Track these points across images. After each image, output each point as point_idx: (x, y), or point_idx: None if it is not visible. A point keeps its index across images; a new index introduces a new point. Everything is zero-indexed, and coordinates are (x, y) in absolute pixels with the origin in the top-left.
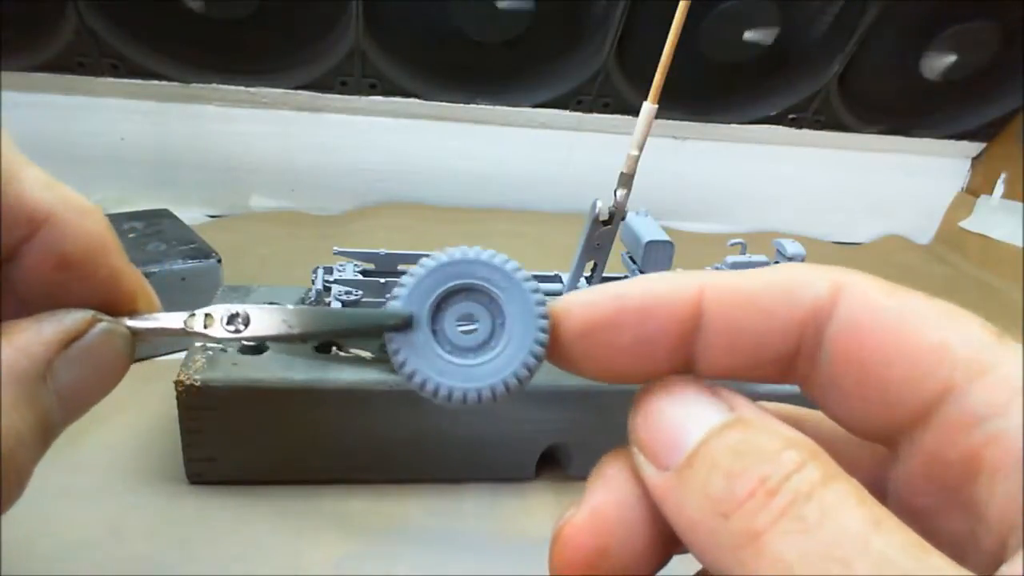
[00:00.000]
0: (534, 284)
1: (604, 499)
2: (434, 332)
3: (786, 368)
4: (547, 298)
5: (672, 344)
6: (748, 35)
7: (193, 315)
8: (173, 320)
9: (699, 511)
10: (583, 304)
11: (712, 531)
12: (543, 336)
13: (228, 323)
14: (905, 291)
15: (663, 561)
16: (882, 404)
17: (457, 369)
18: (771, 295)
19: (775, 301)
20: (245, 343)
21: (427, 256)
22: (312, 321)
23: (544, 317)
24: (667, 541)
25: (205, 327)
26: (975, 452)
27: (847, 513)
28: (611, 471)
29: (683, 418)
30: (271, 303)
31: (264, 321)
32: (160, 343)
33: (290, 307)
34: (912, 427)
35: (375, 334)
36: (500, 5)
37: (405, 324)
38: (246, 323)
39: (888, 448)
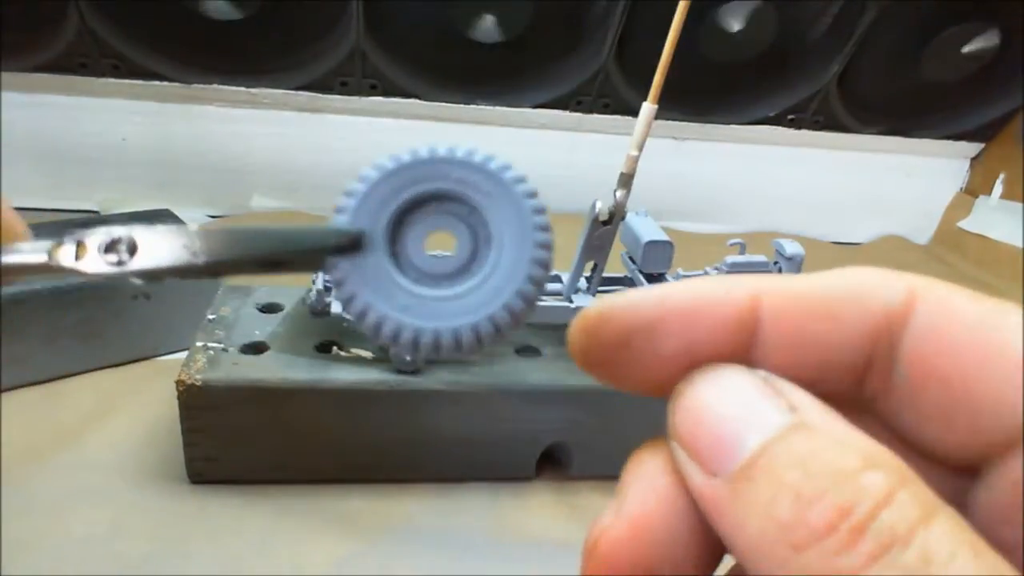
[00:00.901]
0: (529, 187)
1: (644, 505)
2: (394, 255)
3: (854, 384)
4: (543, 203)
5: (723, 354)
6: (747, 26)
7: (60, 243)
8: (35, 252)
9: (762, 535)
10: (624, 306)
11: (781, 562)
12: (543, 254)
13: (107, 251)
14: (987, 299)
15: (712, 570)
16: (969, 427)
17: (425, 303)
18: (839, 302)
19: (843, 308)
20: (136, 279)
21: (385, 158)
22: (224, 246)
23: (544, 229)
24: (717, 550)
25: (77, 258)
26: None
27: (960, 564)
28: (650, 469)
29: (736, 416)
30: (270, 305)
31: (158, 248)
32: (34, 281)
33: (194, 228)
34: (1004, 452)
35: (313, 261)
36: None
37: (353, 245)
38: (132, 251)
39: (969, 472)
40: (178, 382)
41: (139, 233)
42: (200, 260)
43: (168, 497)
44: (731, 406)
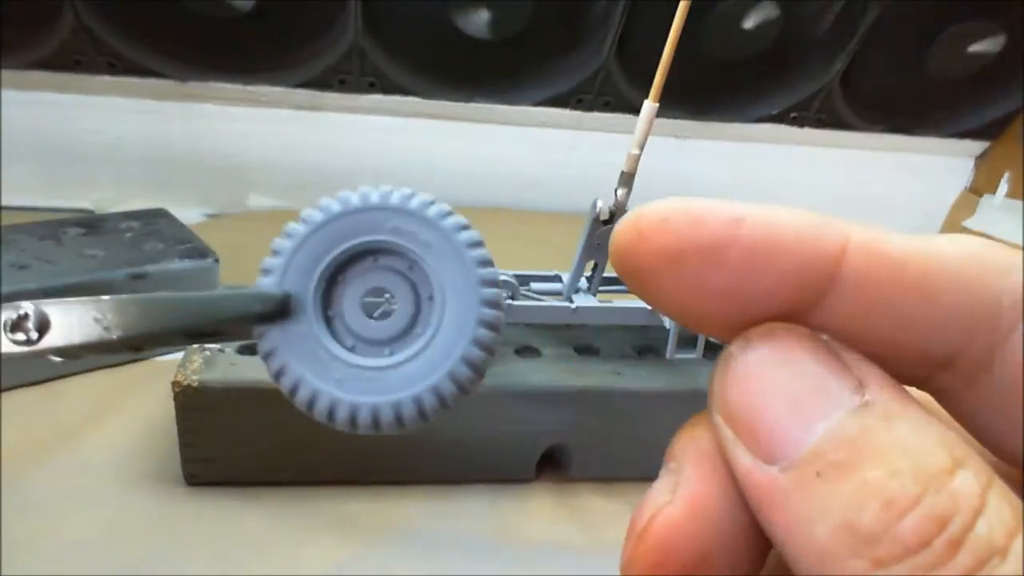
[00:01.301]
0: (472, 235)
1: (706, 485)
2: (327, 320)
3: (932, 371)
4: (489, 255)
5: (786, 303)
6: (749, 23)
7: None
8: None
9: (834, 542)
10: (692, 215)
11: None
12: (490, 313)
13: (13, 330)
14: None
15: (759, 570)
16: None
17: (363, 375)
18: (943, 279)
19: (947, 289)
20: (58, 357)
21: (312, 208)
22: (139, 319)
23: (491, 284)
24: (767, 547)
25: None
26: None
27: None
28: (708, 446)
29: (802, 390)
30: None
31: (68, 324)
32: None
33: (105, 298)
34: None
35: (237, 331)
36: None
37: (281, 311)
38: (41, 328)
39: None
40: (174, 383)
41: (51, 309)
42: (114, 335)
43: (164, 499)
44: (793, 378)
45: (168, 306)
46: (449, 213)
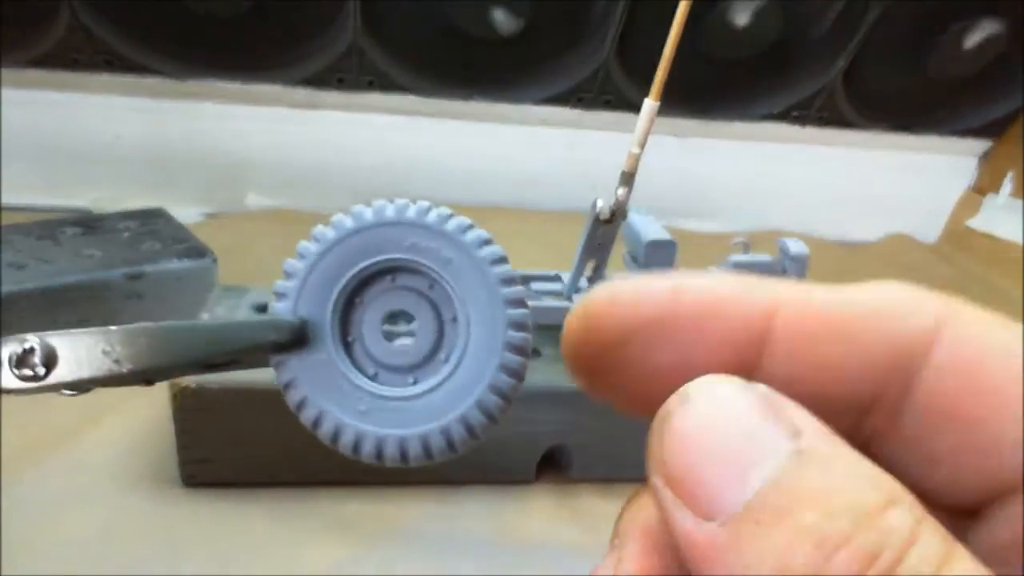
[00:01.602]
0: (494, 251)
1: (648, 563)
2: (347, 345)
3: (854, 421)
4: (514, 271)
5: (726, 365)
6: (750, 22)
7: None
8: None
9: None
10: (633, 294)
11: None
12: (518, 336)
13: (19, 366)
14: (1019, 328)
15: None
16: (981, 467)
17: (387, 405)
18: (861, 323)
19: (864, 327)
20: (68, 391)
21: (325, 226)
22: (149, 351)
23: (517, 303)
24: None
25: None
26: None
27: None
28: (651, 518)
29: (737, 444)
30: (266, 305)
31: (76, 358)
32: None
33: (114, 329)
34: (1010, 494)
35: (253, 360)
36: (493, 15)
37: (297, 339)
38: (48, 363)
39: (967, 512)
40: (172, 384)
41: (58, 342)
42: (124, 368)
43: (162, 500)
44: (728, 432)
45: (179, 337)
46: (470, 227)
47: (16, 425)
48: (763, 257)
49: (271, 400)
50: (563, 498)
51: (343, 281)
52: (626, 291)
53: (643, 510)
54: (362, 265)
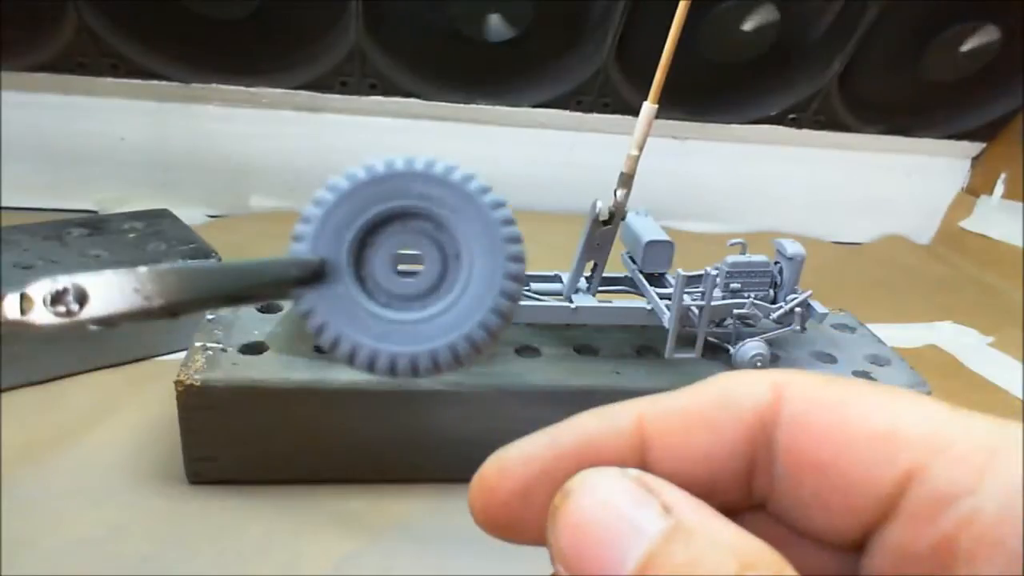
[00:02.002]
0: (495, 198)
1: None
2: (360, 280)
3: (745, 487)
4: (512, 215)
5: None
6: (747, 25)
7: (1, 297)
8: None
9: None
10: (516, 457)
11: None
12: (515, 267)
13: (54, 303)
14: (844, 380)
15: None
16: (843, 503)
17: (398, 328)
18: (713, 409)
19: (718, 415)
20: (98, 326)
21: (340, 176)
22: (179, 287)
23: (515, 241)
24: None
25: (23, 313)
26: (948, 537)
27: None
28: None
29: (616, 527)
30: (270, 304)
31: (108, 295)
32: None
33: (143, 269)
34: (877, 524)
35: (275, 294)
36: (489, 19)
37: (316, 275)
38: (81, 301)
39: (856, 551)
40: (177, 382)
41: (86, 280)
42: (155, 304)
43: (167, 497)
44: (606, 518)
45: (206, 275)
46: (472, 177)
47: (21, 424)
48: (760, 258)
49: (275, 399)
50: None
51: (357, 224)
52: (511, 457)
53: None
54: (375, 211)
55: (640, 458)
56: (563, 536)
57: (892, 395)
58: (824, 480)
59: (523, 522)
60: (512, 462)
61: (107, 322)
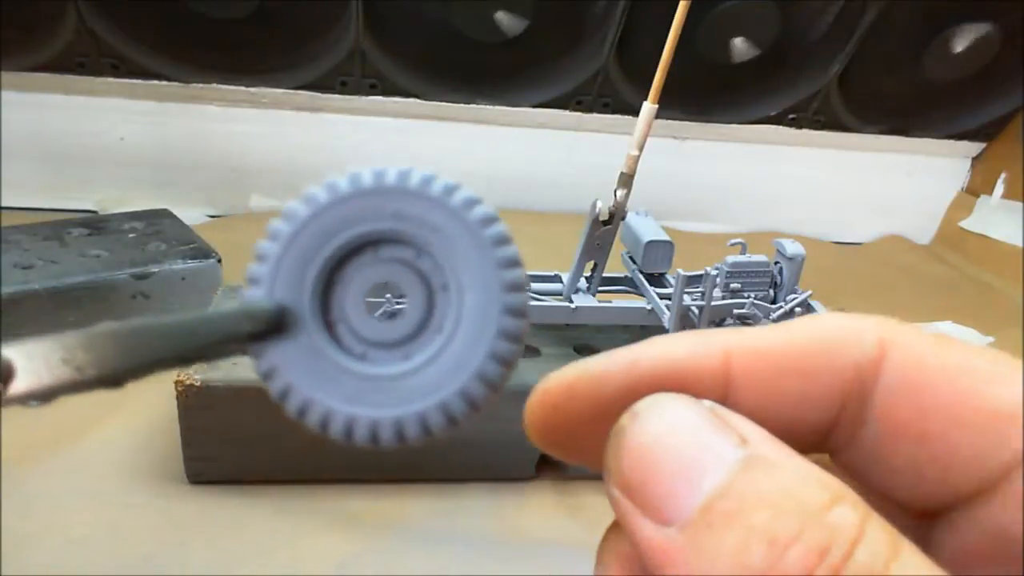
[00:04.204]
0: (485, 212)
1: None
2: (329, 327)
3: (823, 437)
4: (507, 231)
5: None
6: (737, 44)
7: None
8: None
9: None
10: (591, 376)
11: None
12: (515, 298)
13: None
14: (955, 344)
15: None
16: (941, 476)
17: (378, 385)
18: (809, 356)
19: (814, 363)
20: (30, 403)
21: (297, 201)
22: (113, 354)
23: (512, 265)
24: None
25: None
26: None
27: None
28: (629, 548)
29: (686, 454)
30: None
31: (35, 368)
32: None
33: (72, 334)
34: (975, 499)
35: (231, 351)
36: (497, 17)
37: (275, 326)
38: (6, 376)
39: (930, 518)
40: (177, 382)
41: (14, 354)
42: (88, 375)
43: (167, 497)
44: (679, 443)
45: (145, 336)
46: (456, 188)
47: (21, 423)
48: (760, 258)
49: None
50: (563, 495)
51: (321, 259)
52: (583, 378)
53: (620, 537)
54: (340, 240)
55: (723, 394)
56: (627, 459)
57: (1009, 368)
58: (924, 450)
59: (583, 443)
60: (584, 380)
61: (38, 397)
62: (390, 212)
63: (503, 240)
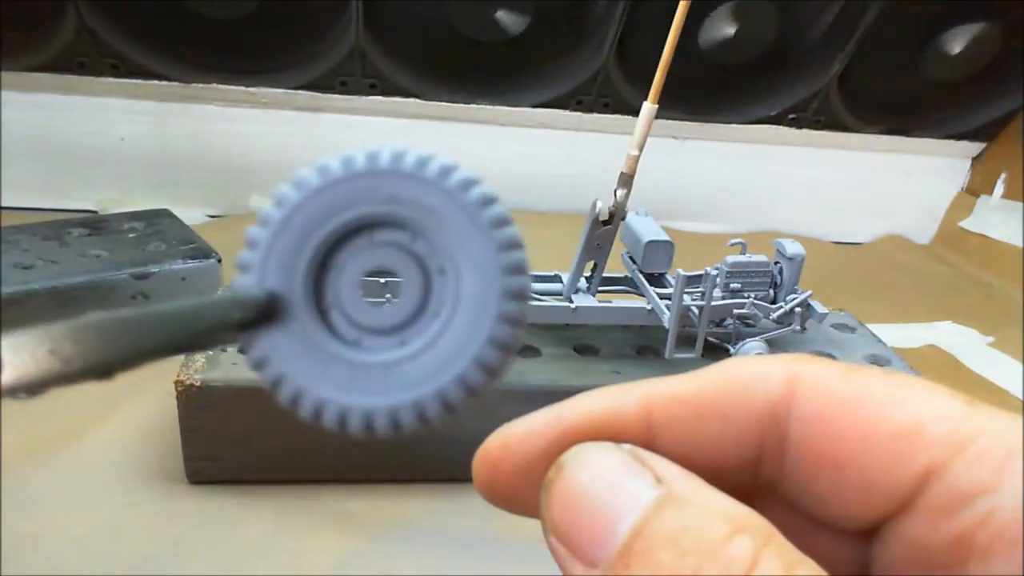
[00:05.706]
0: (483, 192)
1: None
2: (322, 314)
3: (750, 476)
4: (506, 212)
5: None
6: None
7: None
8: None
9: None
10: (522, 433)
11: None
12: (516, 281)
13: None
14: (859, 372)
15: None
16: (861, 499)
17: (372, 373)
18: (722, 399)
19: (727, 405)
20: (18, 396)
21: (288, 185)
22: (100, 345)
23: (512, 247)
24: None
25: None
26: (965, 534)
27: None
28: None
29: (607, 499)
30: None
31: (20, 360)
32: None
33: (59, 325)
34: (896, 515)
35: (222, 340)
36: (498, 16)
37: (266, 314)
38: None
39: (867, 537)
40: (177, 382)
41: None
42: (75, 366)
43: (167, 497)
44: (600, 488)
45: (133, 326)
46: (452, 168)
47: (21, 423)
48: (760, 258)
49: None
50: None
51: (313, 244)
52: (514, 433)
53: None
54: (332, 224)
55: (646, 440)
56: (556, 508)
57: (908, 389)
58: (840, 476)
59: (525, 496)
60: (515, 438)
61: (26, 391)
62: (384, 194)
63: (502, 221)
